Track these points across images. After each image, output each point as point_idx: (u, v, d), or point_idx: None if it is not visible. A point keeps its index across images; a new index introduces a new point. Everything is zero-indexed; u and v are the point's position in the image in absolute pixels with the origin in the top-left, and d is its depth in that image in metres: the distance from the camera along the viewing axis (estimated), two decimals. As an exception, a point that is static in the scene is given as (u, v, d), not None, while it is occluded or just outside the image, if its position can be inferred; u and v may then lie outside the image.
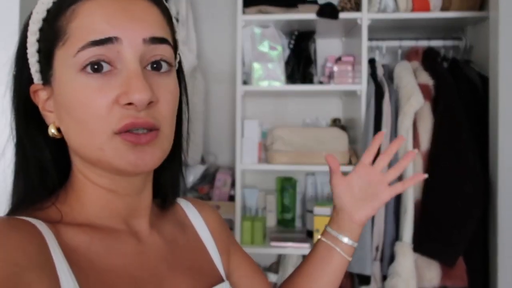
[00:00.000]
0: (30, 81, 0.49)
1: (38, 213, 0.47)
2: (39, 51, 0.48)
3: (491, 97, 1.44)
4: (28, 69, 0.49)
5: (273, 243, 1.78)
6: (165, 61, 0.48)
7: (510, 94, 1.27)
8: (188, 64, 1.85)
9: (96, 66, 0.44)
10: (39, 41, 0.47)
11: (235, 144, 1.82)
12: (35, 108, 0.50)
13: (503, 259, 1.24)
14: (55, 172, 0.51)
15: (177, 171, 0.59)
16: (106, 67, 0.44)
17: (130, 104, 0.44)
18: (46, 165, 0.50)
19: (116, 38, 0.44)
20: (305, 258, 0.72)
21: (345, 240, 0.68)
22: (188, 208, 0.64)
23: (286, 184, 2.04)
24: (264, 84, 1.84)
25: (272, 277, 1.97)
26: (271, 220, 2.03)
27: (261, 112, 2.13)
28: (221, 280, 0.59)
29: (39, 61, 0.48)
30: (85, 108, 0.44)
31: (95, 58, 0.44)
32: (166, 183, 0.59)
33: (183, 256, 0.56)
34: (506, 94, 1.30)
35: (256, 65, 1.86)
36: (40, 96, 0.50)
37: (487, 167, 1.46)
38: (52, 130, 0.49)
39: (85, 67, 0.44)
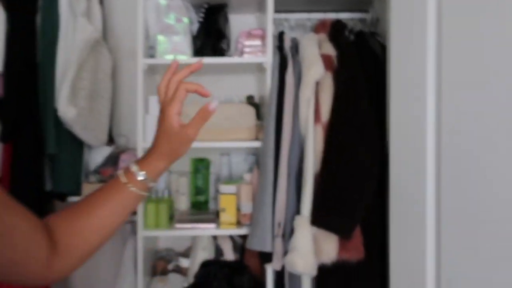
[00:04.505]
0: None
1: None
2: None
3: (388, 67, 1.41)
4: None
5: (178, 225, 1.69)
6: None
7: (399, 64, 1.23)
8: (86, 35, 1.71)
9: None
10: None
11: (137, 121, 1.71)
12: None
13: (395, 230, 1.21)
14: None
15: None
16: None
17: None
18: None
19: None
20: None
21: (141, 177, 0.68)
22: None
23: (199, 165, 1.95)
24: (169, 58, 1.74)
25: (184, 262, 1.88)
26: (184, 203, 1.94)
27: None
28: None
29: None
30: None
31: None
32: None
33: None
34: (395, 65, 1.26)
35: (161, 38, 1.75)
36: None
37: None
38: None
39: None
